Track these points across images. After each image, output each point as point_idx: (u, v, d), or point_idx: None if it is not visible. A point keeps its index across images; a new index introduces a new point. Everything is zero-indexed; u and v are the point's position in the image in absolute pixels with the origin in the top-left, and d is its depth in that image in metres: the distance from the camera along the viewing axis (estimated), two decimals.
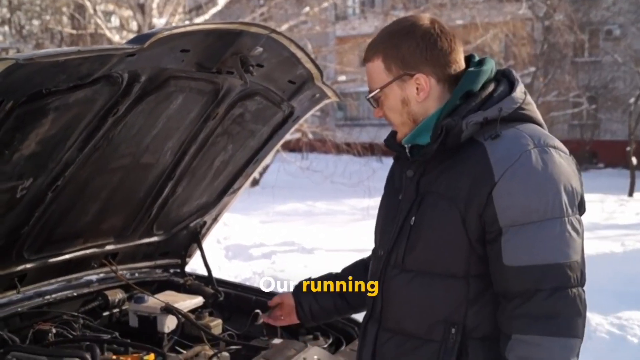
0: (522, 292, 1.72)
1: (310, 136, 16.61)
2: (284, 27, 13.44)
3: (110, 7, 15.48)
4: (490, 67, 1.89)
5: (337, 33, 21.76)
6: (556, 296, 1.69)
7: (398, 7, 15.61)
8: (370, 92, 1.93)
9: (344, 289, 2.31)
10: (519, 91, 1.86)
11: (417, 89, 1.88)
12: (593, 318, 5.89)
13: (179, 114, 2.78)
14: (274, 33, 2.61)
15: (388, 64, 1.88)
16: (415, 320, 1.89)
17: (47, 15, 14.83)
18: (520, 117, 1.84)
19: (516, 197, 1.73)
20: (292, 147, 18.81)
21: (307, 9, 14.64)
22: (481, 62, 1.91)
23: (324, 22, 15.95)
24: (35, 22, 15.73)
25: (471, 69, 1.88)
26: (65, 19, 14.98)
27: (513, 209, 1.73)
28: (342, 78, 16.89)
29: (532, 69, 22.31)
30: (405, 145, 1.96)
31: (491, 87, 1.87)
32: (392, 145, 2.04)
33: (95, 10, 12.53)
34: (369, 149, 15.52)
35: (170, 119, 2.77)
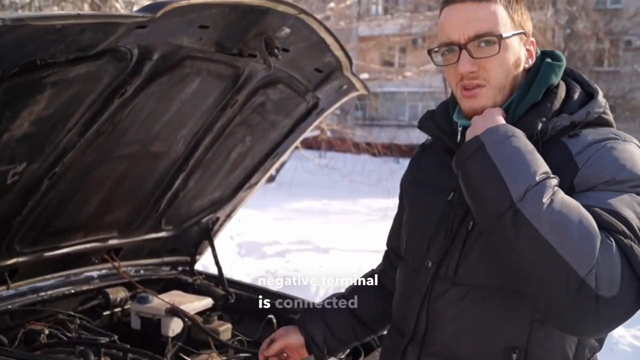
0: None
1: (329, 134, 16.44)
2: None
3: None
4: (565, 62, 1.73)
5: (361, 32, 21.64)
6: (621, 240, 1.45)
7: (422, 7, 15.44)
8: (482, 33, 1.60)
9: (360, 312, 2.06)
10: (601, 95, 1.69)
11: (528, 54, 1.69)
12: (615, 330, 5.72)
13: (194, 99, 2.59)
14: (303, 14, 2.40)
15: (511, 14, 1.64)
16: (469, 344, 1.65)
17: (67, 2, 14.69)
18: (602, 122, 1.66)
19: (601, 173, 1.52)
20: (309, 144, 18.69)
21: (331, 4, 14.45)
22: (547, 54, 1.74)
23: (348, 17, 15.77)
24: (55, 8, 15.61)
25: (548, 60, 1.70)
26: (86, 6, 14.85)
27: (596, 183, 1.52)
28: (365, 76, 16.70)
29: None
30: (459, 128, 1.72)
31: (563, 85, 1.69)
32: (432, 129, 1.80)
33: None
34: (388, 149, 15.36)
35: (185, 105, 2.58)
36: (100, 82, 2.12)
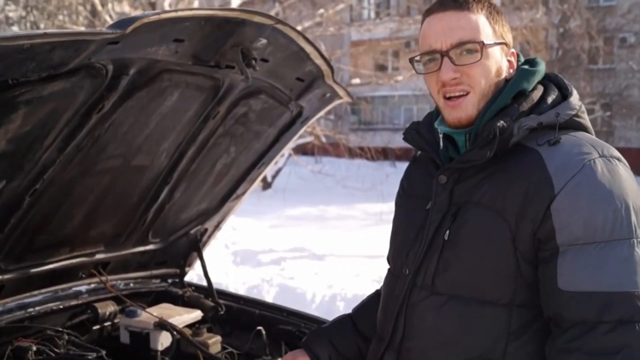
0: (580, 321, 1.47)
1: (324, 140, 16.40)
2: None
3: (126, 8, 15.38)
4: (543, 69, 1.72)
5: (352, 37, 21.62)
6: (620, 330, 1.44)
7: (413, 11, 15.42)
8: (465, 41, 1.61)
9: (365, 330, 2.03)
10: (575, 97, 1.68)
11: (509, 64, 1.70)
12: None
13: (174, 112, 2.55)
14: (279, 24, 2.38)
15: (492, 24, 1.66)
16: (444, 353, 1.64)
17: (62, 16, 14.64)
18: (575, 125, 1.65)
19: (579, 213, 1.49)
20: (304, 151, 18.65)
21: (321, 10, 14.43)
22: (528, 62, 1.75)
23: (338, 23, 15.74)
24: (50, 22, 15.55)
25: (524, 66, 1.71)
26: (81, 19, 14.81)
27: (575, 225, 1.49)
28: (357, 81, 16.67)
29: None
30: (440, 135, 1.72)
31: (540, 89, 1.69)
32: (415, 141, 1.80)
33: (108, 11, 12.35)
34: (382, 153, 15.32)
35: (165, 118, 2.54)
36: (77, 99, 2.09)
